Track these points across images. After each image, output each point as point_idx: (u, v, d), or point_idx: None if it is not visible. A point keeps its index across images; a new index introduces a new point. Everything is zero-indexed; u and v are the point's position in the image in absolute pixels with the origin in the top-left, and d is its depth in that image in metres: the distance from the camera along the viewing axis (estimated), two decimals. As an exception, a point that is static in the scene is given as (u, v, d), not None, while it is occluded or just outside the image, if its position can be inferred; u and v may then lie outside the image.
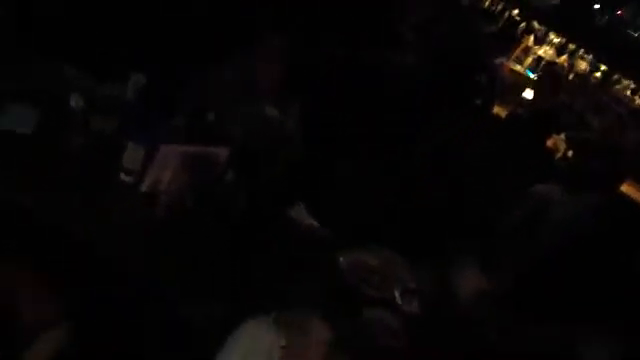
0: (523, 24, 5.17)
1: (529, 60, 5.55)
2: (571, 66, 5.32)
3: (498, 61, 5.44)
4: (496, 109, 5.25)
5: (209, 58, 3.41)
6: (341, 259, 3.09)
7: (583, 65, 5.33)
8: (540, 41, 5.50)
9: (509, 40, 5.61)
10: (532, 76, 5.61)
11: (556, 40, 5.33)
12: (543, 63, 5.37)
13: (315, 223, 3.27)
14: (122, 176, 2.86)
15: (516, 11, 5.40)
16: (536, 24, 4.66)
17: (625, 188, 4.57)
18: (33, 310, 2.21)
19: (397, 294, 3.07)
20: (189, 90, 3.25)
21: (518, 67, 5.63)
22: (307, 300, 2.35)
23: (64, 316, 2.35)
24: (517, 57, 5.68)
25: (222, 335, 2.39)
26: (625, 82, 5.34)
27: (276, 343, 2.31)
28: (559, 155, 4.75)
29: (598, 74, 5.32)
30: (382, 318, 2.86)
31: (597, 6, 5.12)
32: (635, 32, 5.33)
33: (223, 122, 3.33)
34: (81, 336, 2.43)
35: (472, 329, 3.04)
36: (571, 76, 5.40)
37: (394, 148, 4.05)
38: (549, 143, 4.84)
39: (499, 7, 4.52)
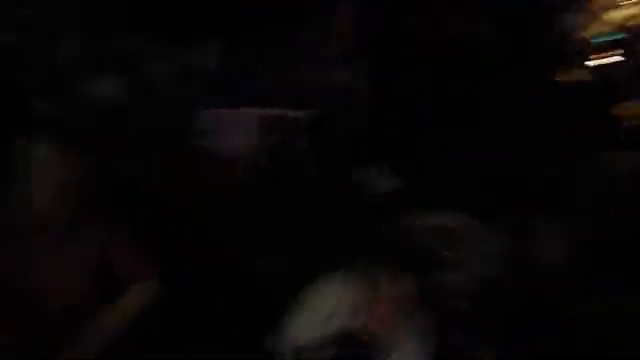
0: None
1: (598, 27, 5.26)
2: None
3: (568, 26, 5.19)
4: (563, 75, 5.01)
5: (285, 23, 3.44)
6: (418, 221, 3.09)
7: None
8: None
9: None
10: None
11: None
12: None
13: (395, 184, 3.28)
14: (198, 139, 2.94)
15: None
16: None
17: None
18: (125, 263, 2.33)
19: (474, 257, 3.05)
20: (266, 55, 3.29)
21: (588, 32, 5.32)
22: (379, 258, 2.35)
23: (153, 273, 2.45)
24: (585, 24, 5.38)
25: (295, 291, 2.46)
26: None
27: (345, 299, 2.33)
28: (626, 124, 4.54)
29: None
30: (456, 280, 2.85)
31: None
32: None
33: (299, 87, 3.36)
34: (169, 293, 2.55)
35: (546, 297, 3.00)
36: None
37: (467, 113, 3.98)
38: (618, 111, 4.63)
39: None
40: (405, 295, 2.26)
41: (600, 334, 2.73)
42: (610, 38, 5.23)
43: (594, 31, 5.19)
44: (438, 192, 3.32)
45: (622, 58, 4.79)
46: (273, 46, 3.48)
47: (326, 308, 2.32)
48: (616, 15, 5.06)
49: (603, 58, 4.84)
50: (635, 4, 4.96)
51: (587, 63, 4.88)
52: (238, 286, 2.74)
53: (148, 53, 3.14)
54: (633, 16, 5.04)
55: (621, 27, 5.27)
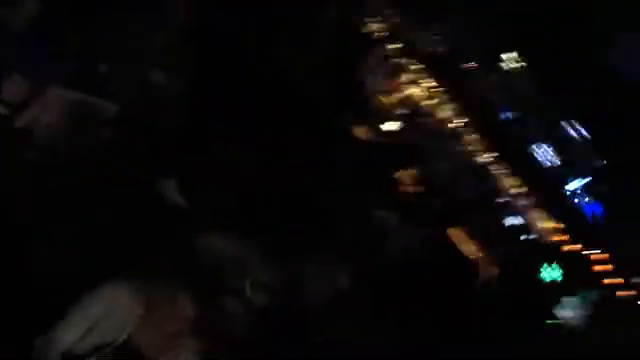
0: (403, 60, 5.50)
1: (398, 96, 5.88)
2: (435, 111, 5.72)
3: (370, 86, 5.72)
4: (357, 130, 5.48)
5: (114, 11, 3.27)
6: (201, 242, 3.12)
7: (446, 113, 5.77)
8: (412, 81, 5.85)
9: (385, 70, 5.90)
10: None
11: (428, 85, 5.72)
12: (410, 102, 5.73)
13: (182, 201, 3.27)
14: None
15: (398, 46, 5.70)
16: (413, 65, 4.91)
17: (452, 231, 5.05)
18: None
19: (247, 285, 3.17)
20: (84, 33, 3.10)
21: (387, 99, 5.92)
22: (173, 275, 2.34)
23: None
24: (387, 90, 5.98)
25: (74, 292, 2.34)
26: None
27: (134, 310, 2.30)
28: (405, 188, 5.10)
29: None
30: (232, 306, 2.93)
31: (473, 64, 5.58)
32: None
33: (114, 77, 3.21)
34: None
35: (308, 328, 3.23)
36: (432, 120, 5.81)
37: (269, 139, 4.14)
38: (398, 174, 5.18)
39: (382, 35, 4.70)
40: (182, 315, 2.26)
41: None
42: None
43: (388, 100, 5.76)
44: (227, 214, 3.39)
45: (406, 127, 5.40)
46: (93, 26, 3.29)
47: (92, 315, 2.27)
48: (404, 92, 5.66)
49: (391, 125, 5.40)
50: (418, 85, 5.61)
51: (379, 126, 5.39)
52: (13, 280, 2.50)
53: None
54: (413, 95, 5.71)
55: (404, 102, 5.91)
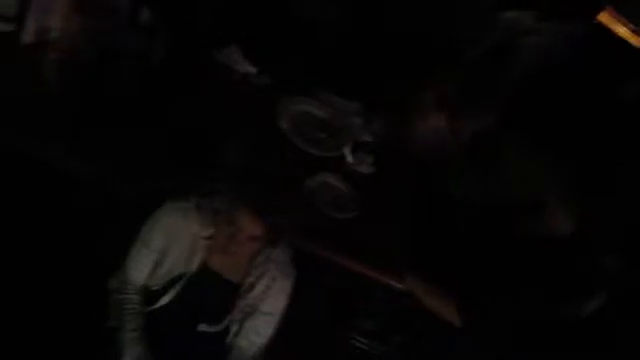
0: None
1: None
2: None
3: None
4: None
5: None
6: (281, 115, 2.64)
7: None
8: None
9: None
10: None
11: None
12: None
13: (251, 68, 2.76)
14: (-2, 25, 2.26)
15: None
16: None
17: (603, 17, 4.03)
18: None
19: (347, 151, 2.68)
20: None
21: None
22: (237, 176, 1.91)
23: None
24: None
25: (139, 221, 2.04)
26: None
27: (199, 233, 1.95)
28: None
29: None
30: (327, 185, 2.49)
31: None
32: None
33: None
34: None
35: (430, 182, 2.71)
36: None
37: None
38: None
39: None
40: (265, 232, 1.86)
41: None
42: None
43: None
44: (306, 74, 2.84)
45: None
46: None
47: (155, 247, 1.98)
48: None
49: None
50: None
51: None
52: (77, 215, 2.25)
53: None
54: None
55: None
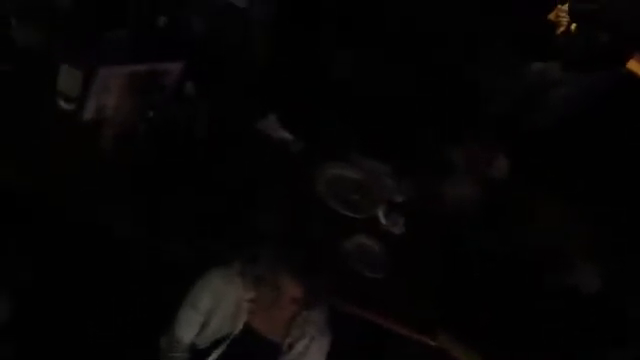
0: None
1: None
2: None
3: None
4: None
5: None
6: (317, 179, 2.81)
7: None
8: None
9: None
10: None
11: None
12: None
13: (288, 135, 2.94)
14: (61, 103, 2.49)
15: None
16: None
17: (633, 65, 4.13)
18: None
19: (381, 213, 2.82)
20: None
21: None
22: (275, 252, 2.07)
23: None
24: None
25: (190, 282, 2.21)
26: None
27: (243, 296, 2.11)
28: (561, 29, 4.24)
29: None
30: (362, 246, 2.63)
31: None
32: None
33: (178, 24, 2.88)
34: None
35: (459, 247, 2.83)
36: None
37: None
38: (550, 15, 4.31)
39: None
40: (290, 297, 2.01)
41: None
42: None
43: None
44: (340, 139, 3.02)
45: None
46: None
47: (203, 309, 2.13)
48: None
49: None
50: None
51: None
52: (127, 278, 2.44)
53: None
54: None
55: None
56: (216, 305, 2.12)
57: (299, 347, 2.14)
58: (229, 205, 2.52)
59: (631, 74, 4.13)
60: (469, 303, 2.72)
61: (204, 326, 2.15)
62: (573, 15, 4.22)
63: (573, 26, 4.15)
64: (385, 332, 2.43)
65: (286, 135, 2.94)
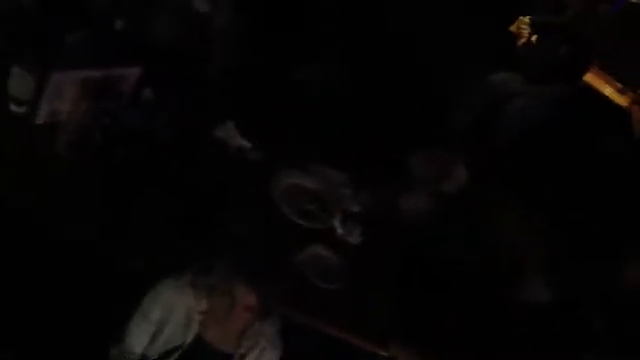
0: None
1: None
2: None
3: None
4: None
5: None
6: (273, 188, 2.80)
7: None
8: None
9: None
10: None
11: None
12: None
13: (246, 143, 2.93)
14: (13, 107, 2.45)
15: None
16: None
17: (590, 78, 4.24)
18: None
19: (337, 222, 2.83)
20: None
21: None
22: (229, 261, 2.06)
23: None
24: None
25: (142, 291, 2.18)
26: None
27: (194, 307, 2.09)
28: (522, 41, 4.33)
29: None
30: (318, 256, 2.63)
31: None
32: None
33: (136, 28, 2.85)
34: None
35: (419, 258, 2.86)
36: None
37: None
38: (512, 27, 4.40)
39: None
40: (245, 306, 2.01)
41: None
42: None
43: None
44: (297, 148, 3.02)
45: None
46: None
47: (154, 319, 2.11)
48: None
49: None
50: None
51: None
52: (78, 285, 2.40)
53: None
54: None
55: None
56: (167, 315, 2.10)
57: (251, 358, 2.14)
58: (186, 213, 2.50)
59: (588, 86, 4.24)
60: (423, 313, 2.75)
61: (155, 336, 2.13)
62: (535, 27, 4.31)
63: (534, 37, 4.24)
64: (337, 342, 2.43)
65: (244, 143, 2.92)
